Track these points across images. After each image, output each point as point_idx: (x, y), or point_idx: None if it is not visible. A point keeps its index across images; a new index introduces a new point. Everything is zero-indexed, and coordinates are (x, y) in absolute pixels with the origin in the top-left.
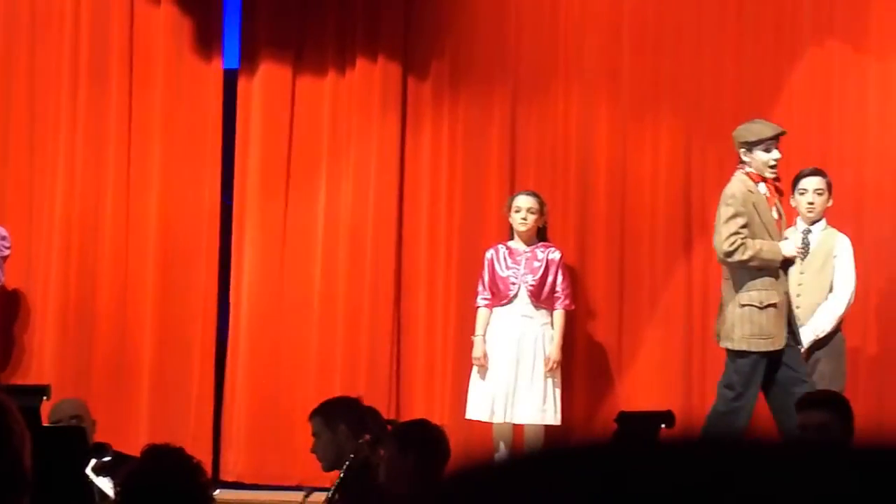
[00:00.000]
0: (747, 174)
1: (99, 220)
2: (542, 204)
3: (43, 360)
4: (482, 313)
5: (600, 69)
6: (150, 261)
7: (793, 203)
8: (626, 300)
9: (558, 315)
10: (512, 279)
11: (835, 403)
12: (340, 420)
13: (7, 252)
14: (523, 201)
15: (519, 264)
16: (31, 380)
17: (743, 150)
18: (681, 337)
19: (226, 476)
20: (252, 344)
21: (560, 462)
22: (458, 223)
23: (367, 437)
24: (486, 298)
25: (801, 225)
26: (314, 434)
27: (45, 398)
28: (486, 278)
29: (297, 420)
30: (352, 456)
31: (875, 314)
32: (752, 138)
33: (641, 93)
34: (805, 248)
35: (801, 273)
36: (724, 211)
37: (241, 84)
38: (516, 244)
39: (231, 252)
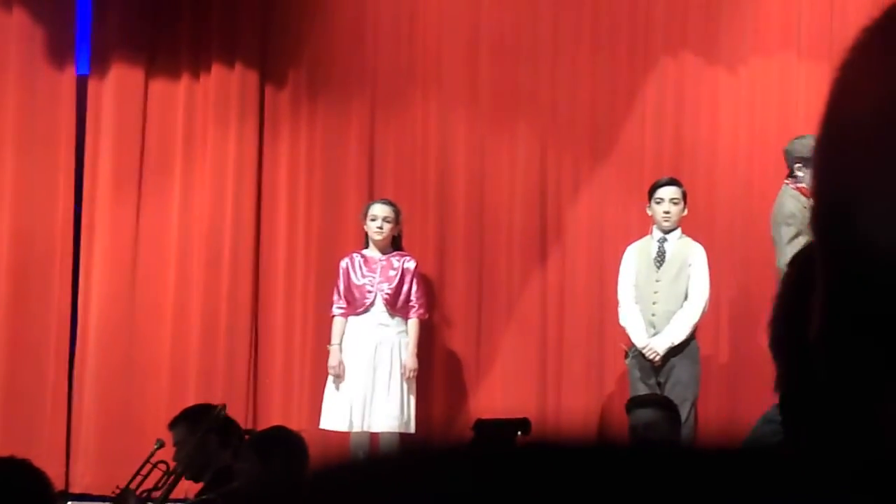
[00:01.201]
0: (798, 188)
1: None
2: (397, 212)
3: None
4: (338, 322)
5: (458, 78)
6: (3, 271)
7: (649, 212)
8: (483, 309)
9: (412, 324)
10: (368, 287)
11: (661, 403)
12: (207, 428)
13: None
14: (379, 210)
15: (374, 272)
16: None
17: (798, 164)
18: (537, 344)
19: (74, 488)
20: (102, 353)
21: (420, 461)
22: (317, 231)
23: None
24: (341, 307)
25: (656, 234)
26: (176, 443)
27: None
28: (342, 287)
29: (149, 430)
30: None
31: (727, 322)
32: (809, 154)
33: (499, 102)
34: (661, 256)
35: (657, 281)
36: (786, 231)
37: (92, 89)
38: (371, 252)
39: (80, 260)
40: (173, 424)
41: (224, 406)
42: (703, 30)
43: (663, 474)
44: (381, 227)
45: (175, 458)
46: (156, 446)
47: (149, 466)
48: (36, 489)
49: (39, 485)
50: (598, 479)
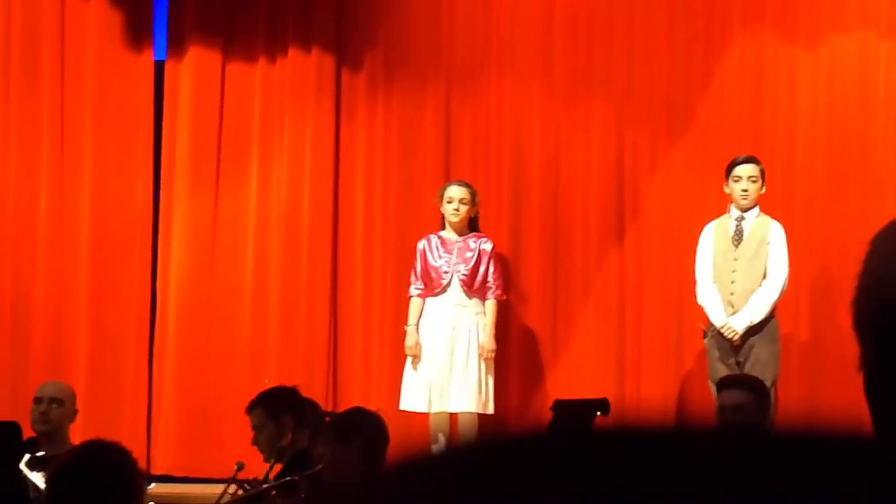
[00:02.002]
0: None
1: (33, 215)
2: (473, 194)
3: None
4: (415, 303)
5: (533, 58)
6: (84, 255)
7: (726, 190)
8: (559, 288)
9: (490, 305)
10: (444, 269)
11: (751, 385)
12: (284, 411)
13: None
14: (455, 192)
15: (451, 254)
16: None
17: None
18: (614, 324)
19: (156, 469)
20: (182, 337)
21: (497, 454)
22: (393, 213)
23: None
24: (418, 288)
25: (734, 212)
26: (255, 427)
27: None
28: (419, 268)
29: (228, 413)
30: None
31: (807, 301)
32: None
33: (574, 81)
34: (738, 235)
35: (735, 260)
36: None
37: (169, 73)
38: (448, 234)
39: (158, 244)
40: (250, 408)
41: (297, 388)
42: (782, 7)
43: (748, 464)
44: (457, 209)
45: (254, 442)
46: (236, 468)
47: (234, 487)
48: (122, 469)
49: (126, 465)
50: (683, 472)
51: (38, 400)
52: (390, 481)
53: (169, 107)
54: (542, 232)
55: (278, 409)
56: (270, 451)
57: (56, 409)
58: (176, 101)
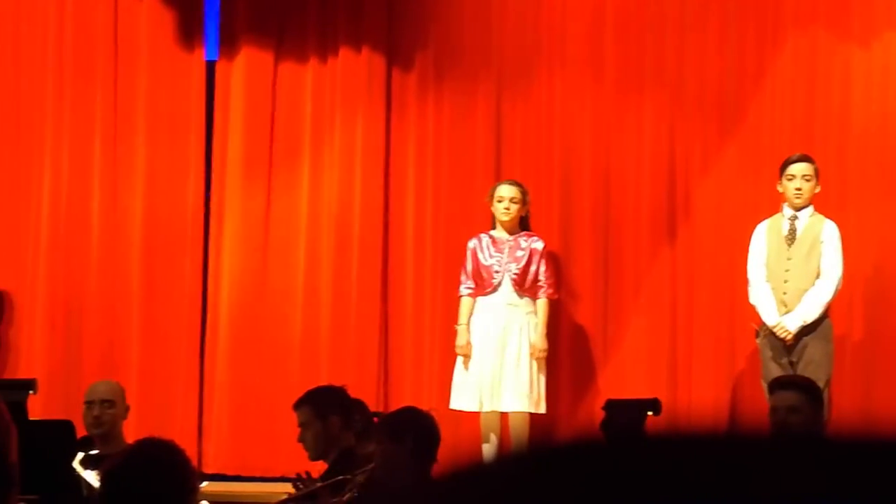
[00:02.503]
0: None
1: (86, 215)
2: (524, 193)
3: (32, 355)
4: (465, 302)
5: (584, 56)
6: (136, 254)
7: (780, 189)
8: (610, 288)
9: (542, 304)
10: (495, 268)
11: (804, 386)
12: (331, 411)
13: None
14: (505, 191)
15: (502, 253)
16: (20, 374)
17: None
18: (666, 324)
19: (207, 468)
20: (233, 336)
21: (552, 462)
22: (444, 212)
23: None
24: (469, 287)
25: (788, 211)
26: (301, 424)
27: (31, 392)
28: (469, 267)
29: (280, 412)
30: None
31: (861, 300)
32: None
33: (625, 79)
34: (792, 234)
35: (789, 259)
36: None
37: (221, 73)
38: (499, 233)
39: (210, 243)
40: (298, 405)
41: (345, 387)
42: (835, 4)
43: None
44: (507, 208)
45: (300, 439)
46: (310, 457)
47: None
48: (176, 468)
49: (182, 464)
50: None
51: (89, 404)
52: (445, 489)
53: (221, 107)
54: (593, 231)
55: (326, 409)
56: (316, 449)
57: (108, 410)
58: (228, 101)
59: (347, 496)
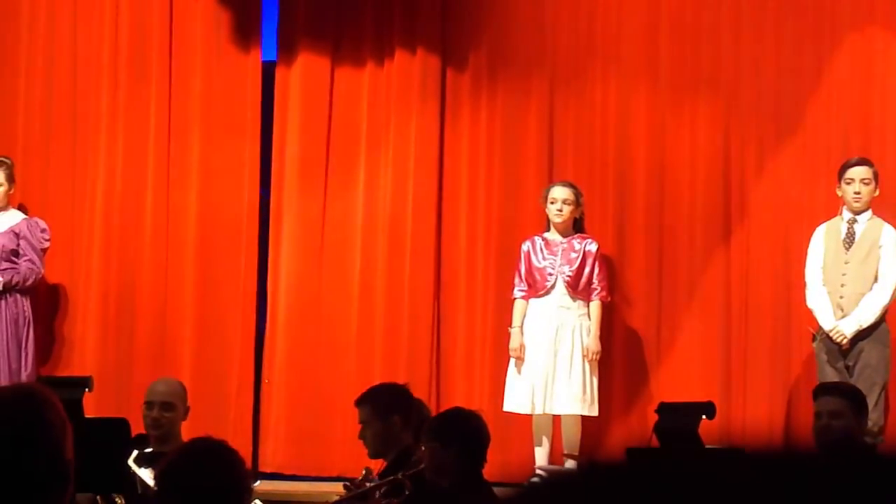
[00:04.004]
0: None
1: (140, 213)
2: (577, 195)
3: (84, 352)
4: (519, 305)
5: (638, 57)
6: (190, 253)
7: (839, 192)
8: (664, 290)
9: (595, 306)
10: (549, 270)
11: (847, 391)
12: (393, 410)
13: (47, 244)
14: (558, 192)
15: (555, 255)
16: (73, 372)
17: None
18: (720, 326)
19: (264, 467)
20: (290, 336)
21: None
22: (497, 214)
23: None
24: (522, 290)
25: (846, 214)
26: (362, 421)
27: (86, 390)
28: (523, 270)
29: (336, 412)
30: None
31: None
32: None
33: (680, 80)
34: (850, 237)
35: (846, 263)
36: None
37: (279, 76)
38: (552, 235)
39: (269, 244)
40: (360, 402)
41: (408, 385)
42: (892, 4)
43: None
44: (560, 210)
45: (360, 436)
46: (364, 473)
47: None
48: (229, 467)
49: (232, 463)
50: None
51: (148, 404)
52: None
53: (279, 110)
54: (647, 233)
55: (388, 408)
56: (375, 447)
57: (167, 413)
58: (286, 104)
59: (401, 497)
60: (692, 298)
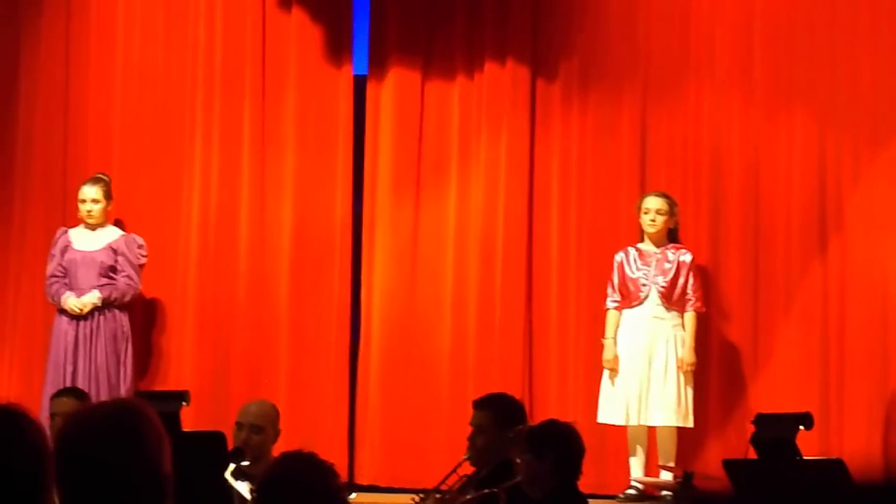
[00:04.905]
0: None
1: (235, 227)
2: (671, 205)
3: (182, 366)
4: (612, 315)
5: (732, 65)
6: (284, 266)
7: None
8: (760, 300)
9: (689, 317)
10: (642, 280)
11: None
12: (513, 424)
13: (144, 260)
14: (652, 202)
15: (649, 265)
16: (170, 385)
17: None
18: (817, 336)
19: (360, 479)
20: (384, 347)
21: None
22: (589, 225)
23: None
24: (615, 301)
25: None
26: (476, 426)
27: (184, 403)
28: (616, 280)
29: (431, 424)
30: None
31: None
32: None
33: (774, 88)
34: None
35: None
36: None
37: (370, 90)
38: (646, 246)
39: (361, 257)
40: (479, 406)
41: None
42: None
43: None
44: (654, 220)
45: (470, 438)
46: (466, 456)
47: (455, 477)
48: (323, 480)
49: (327, 476)
50: None
51: (238, 425)
52: None
53: (370, 123)
54: (742, 243)
55: (507, 420)
56: (481, 455)
57: (256, 436)
58: (378, 117)
59: None
60: (789, 309)
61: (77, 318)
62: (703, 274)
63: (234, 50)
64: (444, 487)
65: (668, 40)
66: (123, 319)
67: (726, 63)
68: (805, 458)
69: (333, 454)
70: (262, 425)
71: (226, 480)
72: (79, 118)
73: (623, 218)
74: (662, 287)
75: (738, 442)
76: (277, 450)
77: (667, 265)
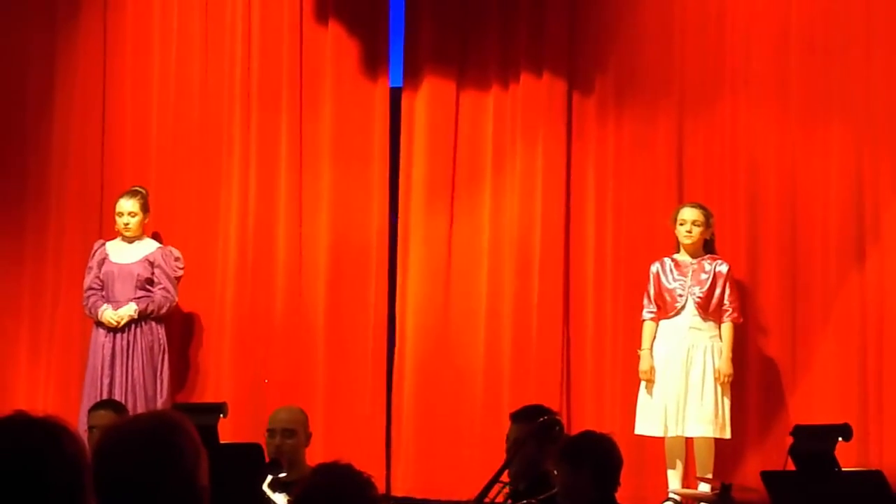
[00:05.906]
0: None
1: (272, 240)
2: (707, 216)
3: (219, 378)
4: (648, 326)
5: (768, 77)
6: (321, 279)
7: None
8: (798, 312)
9: (726, 328)
10: (679, 291)
11: None
12: (550, 442)
13: (181, 273)
14: (688, 213)
15: (686, 276)
16: (208, 398)
17: None
18: (855, 348)
19: (396, 491)
20: (419, 359)
21: None
22: (625, 236)
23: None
24: (651, 312)
25: None
26: (514, 438)
27: (221, 416)
28: (652, 291)
29: (466, 434)
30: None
31: None
32: None
33: (811, 100)
34: None
35: None
36: None
37: (405, 101)
38: (682, 257)
39: (396, 268)
40: (516, 419)
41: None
42: None
43: None
44: (690, 231)
45: (508, 450)
46: (503, 469)
47: (494, 490)
48: (361, 491)
49: (364, 487)
50: None
51: (270, 432)
52: None
53: (405, 135)
54: (779, 255)
55: (544, 432)
56: (519, 468)
57: (288, 440)
58: (412, 128)
59: None
60: (826, 320)
61: (114, 330)
62: (741, 286)
63: (271, 63)
64: (486, 501)
65: (704, 54)
66: (160, 332)
67: (762, 77)
68: (844, 469)
69: (371, 465)
70: (294, 429)
71: (263, 492)
72: (116, 131)
73: (659, 229)
74: (699, 297)
75: (776, 453)
76: (314, 461)
77: (703, 276)
